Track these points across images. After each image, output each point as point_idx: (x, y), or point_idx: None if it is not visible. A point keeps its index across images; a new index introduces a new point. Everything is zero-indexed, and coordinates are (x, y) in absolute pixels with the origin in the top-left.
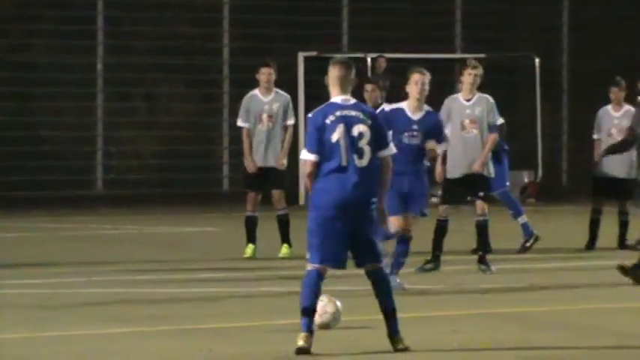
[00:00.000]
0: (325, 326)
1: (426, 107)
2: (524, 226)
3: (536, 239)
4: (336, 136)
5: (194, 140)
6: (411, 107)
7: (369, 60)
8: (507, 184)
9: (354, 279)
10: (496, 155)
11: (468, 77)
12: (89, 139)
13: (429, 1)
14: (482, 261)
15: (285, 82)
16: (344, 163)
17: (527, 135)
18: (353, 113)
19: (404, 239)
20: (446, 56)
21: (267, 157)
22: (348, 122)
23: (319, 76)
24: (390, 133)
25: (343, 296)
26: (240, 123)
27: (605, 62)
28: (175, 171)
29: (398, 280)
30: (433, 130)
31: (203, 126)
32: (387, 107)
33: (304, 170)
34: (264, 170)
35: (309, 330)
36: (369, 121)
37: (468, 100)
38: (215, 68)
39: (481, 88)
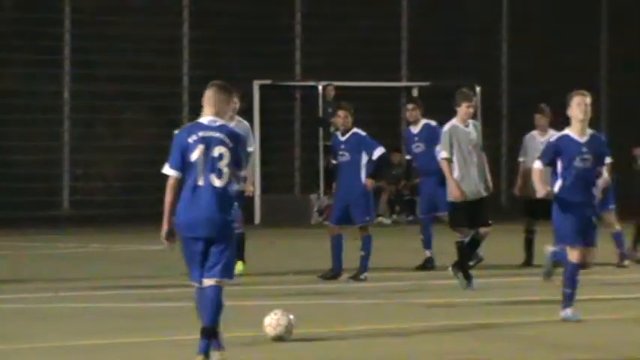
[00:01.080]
0: (279, 338)
1: (590, 130)
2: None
3: (480, 260)
4: (195, 155)
5: (156, 163)
6: (576, 131)
7: (320, 88)
8: None
9: (307, 295)
10: (443, 179)
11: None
12: (56, 163)
13: (376, 32)
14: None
15: (242, 108)
16: (200, 183)
17: None
18: (216, 134)
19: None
20: (392, 84)
21: None
22: (209, 143)
23: (274, 103)
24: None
25: (295, 310)
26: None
27: (541, 89)
28: (138, 192)
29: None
30: (600, 151)
31: (164, 150)
32: (553, 137)
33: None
34: None
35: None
36: (231, 144)
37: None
38: (175, 96)
39: (425, 115)
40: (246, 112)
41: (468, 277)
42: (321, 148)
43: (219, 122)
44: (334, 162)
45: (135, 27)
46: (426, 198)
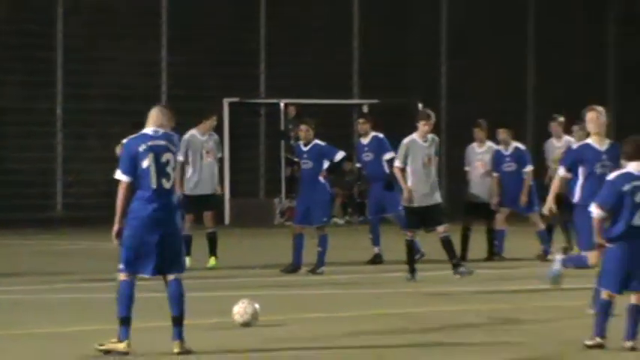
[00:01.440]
0: (246, 324)
1: (608, 140)
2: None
3: (422, 255)
4: (146, 162)
5: None
6: (596, 140)
7: (282, 105)
8: (400, 206)
9: (271, 287)
10: (390, 183)
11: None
12: (51, 171)
13: (329, 54)
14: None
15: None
16: (154, 186)
17: None
18: (162, 142)
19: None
20: (345, 102)
21: (211, 185)
22: (157, 151)
23: (241, 119)
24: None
25: (260, 299)
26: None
27: (476, 106)
28: None
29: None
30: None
31: None
32: (574, 145)
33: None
34: (208, 196)
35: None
36: (174, 149)
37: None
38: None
39: (374, 128)
40: (217, 126)
41: (412, 271)
42: (282, 158)
43: (161, 131)
44: (358, 164)
45: (119, 51)
46: (373, 201)
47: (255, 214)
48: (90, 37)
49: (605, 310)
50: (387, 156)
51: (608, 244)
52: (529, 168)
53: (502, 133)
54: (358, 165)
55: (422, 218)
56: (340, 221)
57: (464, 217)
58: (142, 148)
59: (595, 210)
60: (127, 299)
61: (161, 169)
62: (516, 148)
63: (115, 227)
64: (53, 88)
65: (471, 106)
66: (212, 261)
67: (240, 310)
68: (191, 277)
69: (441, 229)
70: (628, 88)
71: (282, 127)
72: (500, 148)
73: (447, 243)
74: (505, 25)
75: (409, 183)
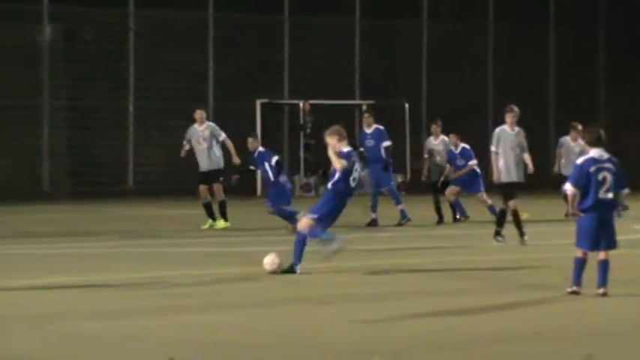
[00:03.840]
0: (273, 272)
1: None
2: (402, 211)
3: (408, 220)
4: None
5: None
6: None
7: (301, 104)
8: (392, 182)
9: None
10: (387, 165)
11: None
12: (125, 154)
13: (336, 65)
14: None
15: (247, 121)
16: None
17: (401, 152)
18: None
19: None
20: (348, 102)
21: (208, 164)
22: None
23: (269, 115)
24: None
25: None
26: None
27: (450, 106)
28: (177, 173)
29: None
30: None
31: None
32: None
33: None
34: (207, 172)
35: None
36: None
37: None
38: (203, 108)
39: (375, 121)
40: (251, 120)
41: (498, 233)
42: (301, 145)
43: None
44: (361, 149)
45: (176, 63)
46: (373, 178)
47: None
48: (153, 52)
49: (581, 265)
50: (385, 143)
51: (581, 214)
52: (472, 162)
53: (452, 137)
54: (361, 149)
55: (511, 190)
56: None
57: (433, 192)
58: None
59: (570, 188)
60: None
61: None
62: (463, 148)
63: None
64: (127, 91)
65: (447, 105)
66: (222, 223)
67: (270, 260)
68: (228, 234)
69: (512, 203)
70: None
71: (301, 121)
72: (452, 148)
73: (514, 214)
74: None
75: (500, 164)
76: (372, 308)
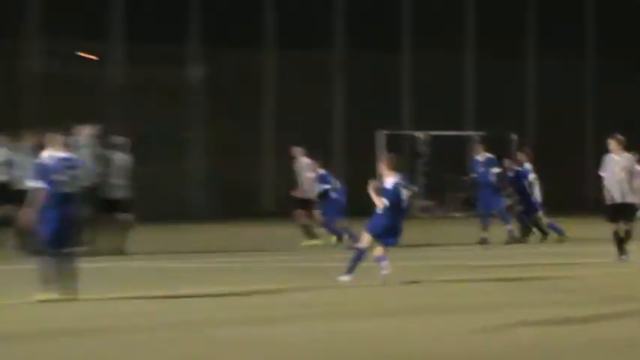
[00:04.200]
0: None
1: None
2: (510, 231)
3: (517, 239)
4: None
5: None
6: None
7: (418, 135)
8: (502, 205)
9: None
10: (496, 188)
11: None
12: (259, 176)
13: (448, 102)
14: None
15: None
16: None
17: None
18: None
19: None
20: (461, 133)
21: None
22: None
23: (392, 144)
24: None
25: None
26: None
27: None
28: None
29: None
30: None
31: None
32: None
33: None
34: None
35: None
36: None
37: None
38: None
39: (486, 150)
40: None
41: (623, 253)
42: (419, 171)
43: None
44: (474, 176)
45: (303, 101)
46: (484, 201)
47: None
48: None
49: None
50: (495, 170)
51: None
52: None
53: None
54: (474, 175)
55: (615, 212)
56: (458, 214)
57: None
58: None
59: None
60: None
61: None
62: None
63: None
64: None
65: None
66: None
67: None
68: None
69: (623, 225)
70: None
71: (419, 150)
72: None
73: (627, 233)
74: None
75: (607, 184)
76: (487, 317)
